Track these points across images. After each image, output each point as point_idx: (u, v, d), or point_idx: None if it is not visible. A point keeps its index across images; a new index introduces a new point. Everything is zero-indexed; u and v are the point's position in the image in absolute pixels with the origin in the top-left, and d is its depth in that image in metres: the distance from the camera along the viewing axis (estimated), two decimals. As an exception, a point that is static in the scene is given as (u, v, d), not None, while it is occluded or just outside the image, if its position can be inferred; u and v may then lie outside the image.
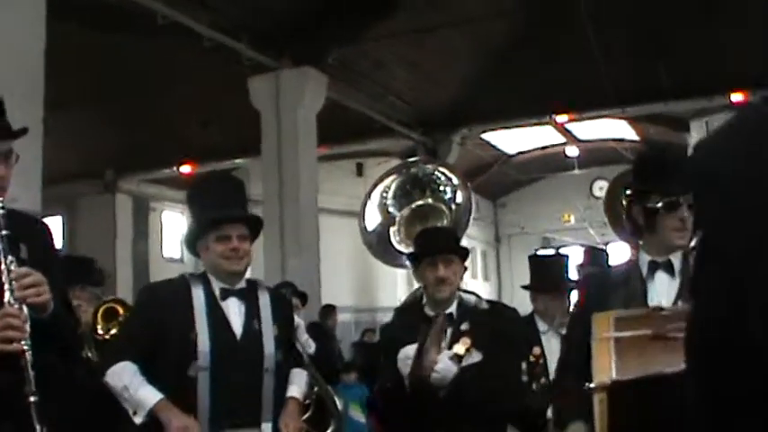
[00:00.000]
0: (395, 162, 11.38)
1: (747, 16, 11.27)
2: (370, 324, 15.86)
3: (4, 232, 2.65)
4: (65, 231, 17.70)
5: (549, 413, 4.08)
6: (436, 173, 5.99)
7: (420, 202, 5.79)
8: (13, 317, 2.59)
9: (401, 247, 5.65)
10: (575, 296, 5.13)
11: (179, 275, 3.92)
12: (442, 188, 5.87)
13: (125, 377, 3.54)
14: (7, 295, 2.62)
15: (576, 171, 22.04)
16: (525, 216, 24.14)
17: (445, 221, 5.60)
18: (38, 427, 2.53)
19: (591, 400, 2.81)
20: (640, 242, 3.42)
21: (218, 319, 3.65)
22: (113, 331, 5.21)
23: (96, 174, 17.24)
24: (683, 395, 2.67)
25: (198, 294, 3.67)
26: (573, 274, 5.73)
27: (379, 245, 5.91)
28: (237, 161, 16.44)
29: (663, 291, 3.26)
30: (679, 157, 3.53)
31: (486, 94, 14.49)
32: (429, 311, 4.12)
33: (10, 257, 2.64)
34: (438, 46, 13.31)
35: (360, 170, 18.98)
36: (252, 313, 3.72)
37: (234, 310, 3.70)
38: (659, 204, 3.25)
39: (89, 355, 4.93)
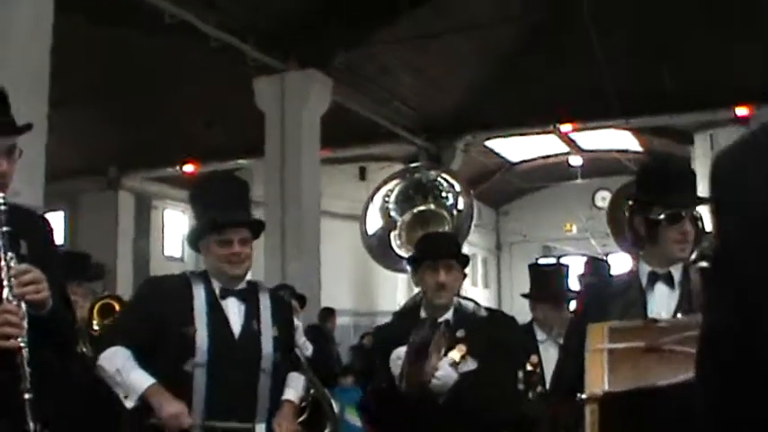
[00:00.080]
0: (398, 167, 11.38)
1: (754, 30, 11.29)
2: (370, 328, 15.78)
3: (4, 229, 2.65)
4: (67, 227, 17.72)
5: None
6: (439, 179, 5.98)
7: (422, 208, 5.78)
8: (10, 313, 2.59)
9: (402, 252, 5.65)
10: (574, 306, 5.13)
11: (181, 272, 3.92)
12: (444, 194, 5.87)
13: (117, 361, 3.55)
14: (6, 292, 2.62)
15: (579, 181, 22.02)
16: (527, 224, 24.13)
17: (446, 228, 5.59)
18: (31, 425, 2.52)
19: (583, 410, 2.80)
20: (641, 252, 3.42)
21: (217, 317, 3.65)
22: (109, 328, 5.22)
23: (99, 170, 17.27)
24: (680, 407, 2.67)
25: (199, 291, 3.68)
26: (573, 284, 5.73)
27: (379, 248, 5.90)
28: (241, 162, 16.45)
29: (662, 302, 3.26)
30: (682, 169, 3.54)
31: (490, 101, 14.50)
32: (426, 316, 4.11)
33: (10, 254, 2.65)
34: (443, 52, 13.32)
35: (363, 174, 18.98)
36: (251, 313, 3.72)
37: (233, 310, 3.71)
38: (661, 216, 3.25)
39: (84, 350, 4.93)
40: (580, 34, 11.78)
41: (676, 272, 3.30)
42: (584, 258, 7.61)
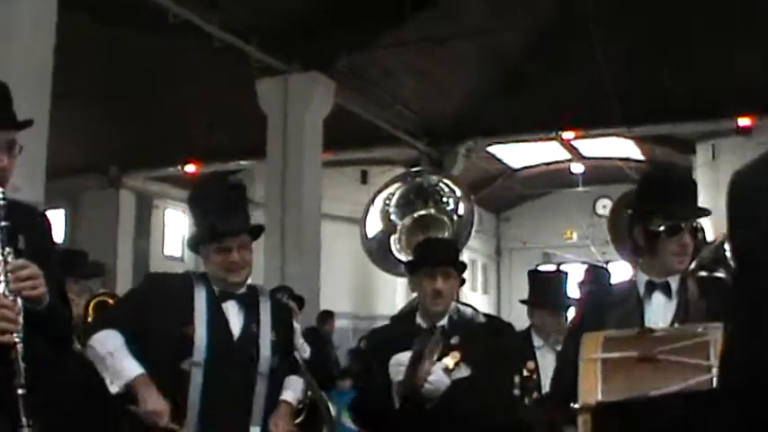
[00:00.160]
0: (399, 171, 11.38)
1: (758, 41, 11.30)
2: (368, 331, 15.82)
3: (2, 224, 2.65)
4: (67, 225, 17.73)
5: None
6: (440, 184, 5.98)
7: (422, 212, 5.77)
8: (6, 309, 2.58)
9: (401, 256, 5.64)
10: (572, 313, 5.13)
11: (184, 272, 3.92)
12: (445, 199, 5.86)
13: (110, 344, 3.56)
14: (2, 287, 2.61)
15: (580, 188, 22.03)
16: (527, 231, 24.15)
17: (447, 233, 5.58)
18: (24, 420, 2.52)
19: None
20: (640, 261, 3.42)
21: (217, 319, 3.66)
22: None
23: (101, 169, 17.27)
24: (672, 418, 2.67)
25: (200, 292, 3.69)
26: (572, 292, 5.73)
27: (379, 252, 5.89)
28: (242, 163, 16.46)
29: (659, 312, 3.25)
30: (683, 180, 3.52)
31: (493, 107, 14.51)
32: (421, 322, 4.10)
33: (7, 249, 2.64)
34: (447, 57, 13.32)
35: (364, 177, 19.00)
36: (251, 317, 3.73)
37: (233, 312, 3.71)
38: (661, 228, 3.24)
39: (79, 347, 4.93)
40: (584, 42, 11.79)
41: (674, 282, 3.29)
42: (585, 266, 7.60)
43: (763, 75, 11.61)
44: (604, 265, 9.87)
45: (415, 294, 4.52)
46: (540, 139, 17.52)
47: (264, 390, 3.65)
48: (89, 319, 5.31)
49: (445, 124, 15.85)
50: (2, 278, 2.62)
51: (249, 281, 3.88)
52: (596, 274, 6.69)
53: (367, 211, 5.99)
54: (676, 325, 3.14)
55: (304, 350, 7.09)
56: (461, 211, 5.81)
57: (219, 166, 16.30)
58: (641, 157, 19.50)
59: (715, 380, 2.54)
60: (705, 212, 3.41)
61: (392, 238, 5.79)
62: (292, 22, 11.73)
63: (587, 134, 16.28)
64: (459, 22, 12.30)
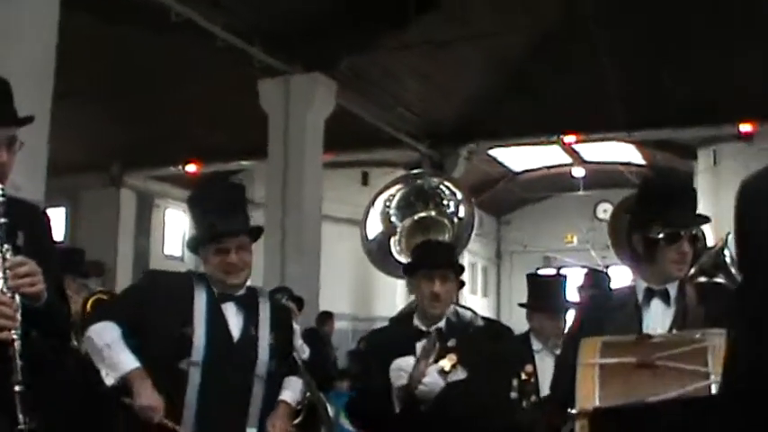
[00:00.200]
0: (400, 173, 11.38)
1: (760, 47, 11.29)
2: (367, 333, 15.81)
3: (1, 220, 2.65)
4: (68, 224, 17.72)
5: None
6: (441, 186, 5.97)
7: (423, 214, 5.77)
8: (4, 305, 2.58)
9: (401, 258, 5.64)
10: (571, 317, 5.12)
11: (185, 271, 3.92)
12: (445, 202, 5.85)
13: (107, 335, 3.56)
14: (0, 284, 2.61)
15: (581, 192, 22.05)
16: (528, 234, 24.15)
17: (447, 235, 5.58)
18: (21, 417, 2.52)
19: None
20: (639, 267, 3.41)
21: (216, 320, 3.66)
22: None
23: (102, 167, 17.25)
24: (669, 424, 2.67)
25: (200, 293, 3.69)
26: (572, 296, 5.73)
27: (378, 254, 5.89)
28: (243, 163, 16.46)
29: (657, 318, 3.25)
30: (684, 186, 3.52)
31: (495, 110, 14.51)
32: (419, 325, 4.10)
33: (6, 245, 2.64)
34: (450, 59, 13.32)
35: (365, 179, 19.00)
36: (250, 319, 3.73)
37: (232, 314, 3.72)
38: (660, 235, 3.23)
39: (76, 344, 4.93)
40: (586, 46, 11.80)
41: (672, 288, 3.29)
42: (584, 270, 7.60)
43: (764, 80, 11.61)
44: (604, 270, 9.88)
45: (414, 296, 4.52)
46: (542, 143, 17.52)
47: (261, 392, 3.65)
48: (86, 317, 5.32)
49: (447, 127, 15.85)
50: (0, 275, 2.62)
51: (249, 281, 3.88)
52: (596, 279, 6.69)
53: (367, 212, 5.98)
54: (674, 331, 3.13)
55: (303, 351, 7.08)
56: (462, 213, 5.80)
57: (220, 166, 16.31)
58: (642, 162, 19.51)
59: (713, 386, 2.54)
60: (705, 220, 3.40)
61: (392, 239, 5.78)
62: (295, 23, 11.72)
63: (589, 138, 16.27)
64: (462, 24, 12.29)
